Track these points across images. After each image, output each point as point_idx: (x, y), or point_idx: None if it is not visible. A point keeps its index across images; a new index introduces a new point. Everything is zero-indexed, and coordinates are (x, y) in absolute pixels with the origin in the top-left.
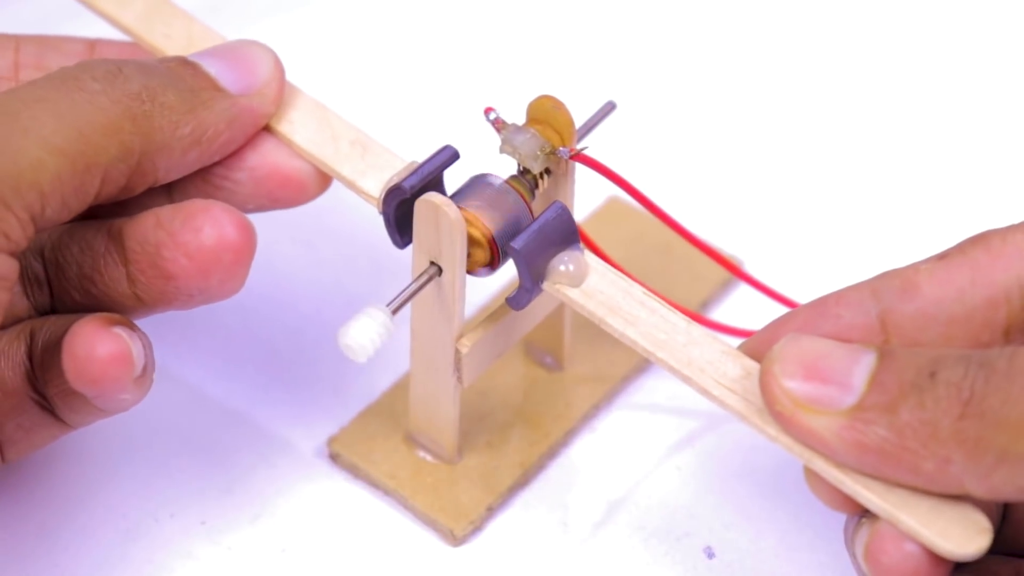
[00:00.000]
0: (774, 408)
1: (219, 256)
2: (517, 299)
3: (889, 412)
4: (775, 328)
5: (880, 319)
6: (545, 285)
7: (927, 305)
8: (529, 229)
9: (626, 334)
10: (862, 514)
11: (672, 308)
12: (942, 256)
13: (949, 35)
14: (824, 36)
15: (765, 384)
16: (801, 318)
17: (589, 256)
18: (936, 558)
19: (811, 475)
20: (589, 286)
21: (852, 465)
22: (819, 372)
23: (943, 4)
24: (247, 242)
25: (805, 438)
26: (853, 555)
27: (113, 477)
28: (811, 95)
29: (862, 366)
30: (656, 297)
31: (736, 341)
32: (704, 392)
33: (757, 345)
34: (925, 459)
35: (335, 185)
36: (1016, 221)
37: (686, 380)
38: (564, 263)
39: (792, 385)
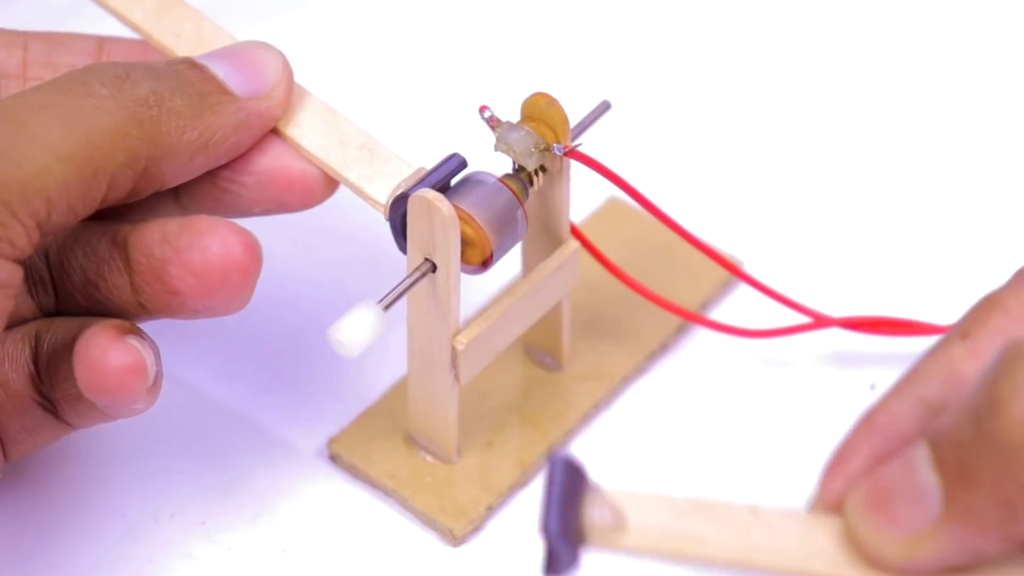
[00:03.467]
0: (895, 567)
1: (225, 276)
2: (562, 570)
3: (971, 484)
4: (837, 469)
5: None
6: (592, 546)
7: None
8: (549, 503)
9: (707, 555)
10: None
11: (725, 503)
12: (964, 333)
13: (949, 35)
14: (824, 36)
15: (871, 557)
16: (861, 452)
17: (610, 490)
18: None
19: None
20: (637, 524)
21: (991, 554)
22: (894, 504)
23: (943, 4)
24: (253, 261)
25: (940, 565)
26: None
27: (113, 477)
28: (811, 95)
29: (921, 465)
30: (699, 499)
31: (736, 341)
32: None
33: (826, 495)
34: None
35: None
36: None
37: (796, 574)
38: (599, 514)
39: (886, 536)
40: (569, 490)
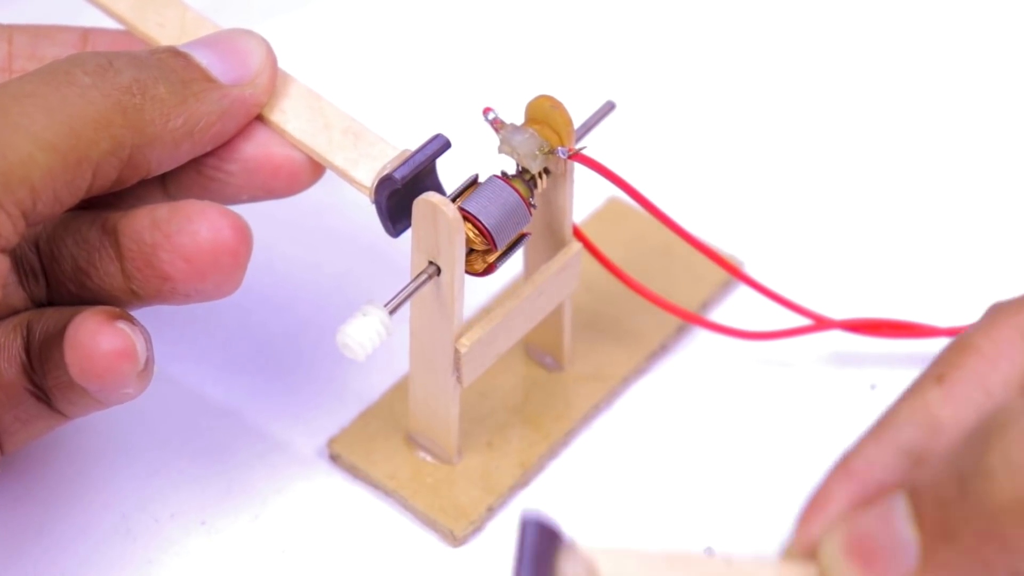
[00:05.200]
0: None
1: (216, 259)
2: None
3: (949, 540)
4: (812, 517)
5: (915, 466)
6: None
7: (955, 434)
8: (523, 563)
9: None
10: None
11: (697, 556)
12: (939, 377)
13: (950, 36)
14: (824, 37)
15: None
16: (836, 499)
17: (583, 546)
18: None
19: None
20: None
21: None
22: (870, 553)
23: (944, 4)
24: (243, 244)
25: None
26: None
27: (113, 477)
28: (811, 96)
29: (899, 517)
30: (672, 552)
31: (736, 342)
32: None
33: (801, 543)
34: (1011, 557)
35: (335, 185)
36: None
37: None
38: (571, 568)
39: None
40: (542, 549)
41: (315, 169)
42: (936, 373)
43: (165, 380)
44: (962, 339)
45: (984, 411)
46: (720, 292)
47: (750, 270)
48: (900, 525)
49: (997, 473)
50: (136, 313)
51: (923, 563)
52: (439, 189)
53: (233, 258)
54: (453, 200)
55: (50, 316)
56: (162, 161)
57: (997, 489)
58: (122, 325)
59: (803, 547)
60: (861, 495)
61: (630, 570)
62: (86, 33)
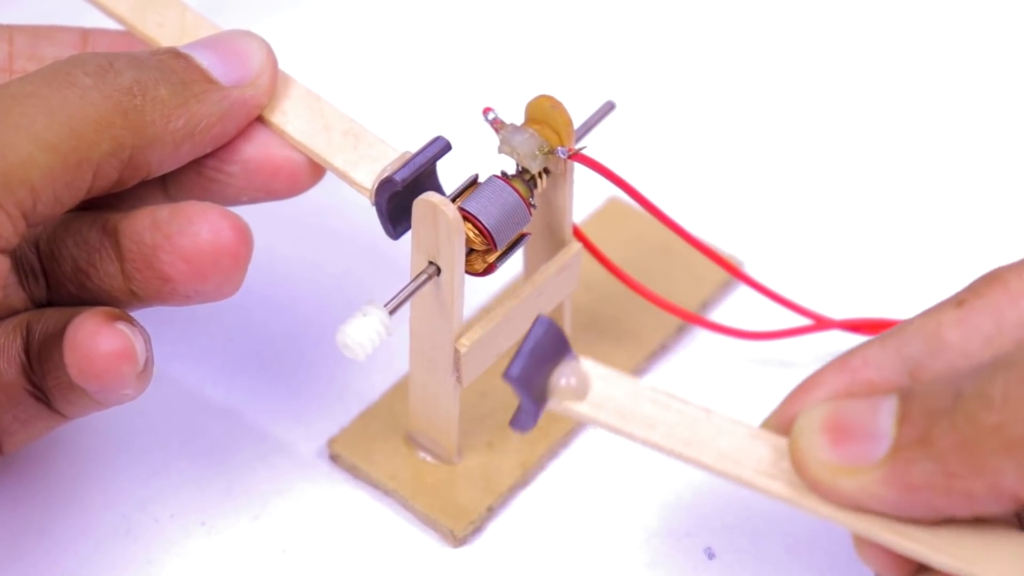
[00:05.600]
0: (813, 481)
1: (216, 260)
2: (522, 423)
3: (924, 444)
4: (800, 396)
5: (910, 376)
6: (551, 404)
7: (956, 357)
8: (520, 353)
9: (649, 439)
10: None
11: (683, 400)
12: (960, 302)
13: (950, 36)
14: (824, 37)
15: (798, 461)
16: (827, 385)
17: (586, 362)
18: None
19: (863, 546)
20: (596, 395)
21: (907, 513)
22: (846, 432)
23: (944, 4)
24: (244, 245)
25: (854, 501)
26: None
27: (113, 477)
28: (811, 95)
29: (885, 412)
30: (663, 391)
31: (736, 342)
32: (746, 484)
33: (781, 418)
34: (975, 480)
35: (335, 185)
36: (1017, 218)
37: (723, 475)
38: (565, 377)
39: (823, 454)
40: (546, 350)
41: (315, 170)
42: (958, 298)
43: (165, 380)
44: (992, 272)
45: (992, 343)
46: (720, 292)
47: (750, 270)
48: (883, 419)
49: (994, 400)
50: (136, 313)
51: (890, 456)
52: (439, 191)
53: (234, 259)
54: (453, 200)
55: (50, 317)
56: (163, 162)
57: (989, 414)
58: (121, 326)
59: (779, 422)
60: (849, 389)
61: (617, 396)
62: (86, 34)
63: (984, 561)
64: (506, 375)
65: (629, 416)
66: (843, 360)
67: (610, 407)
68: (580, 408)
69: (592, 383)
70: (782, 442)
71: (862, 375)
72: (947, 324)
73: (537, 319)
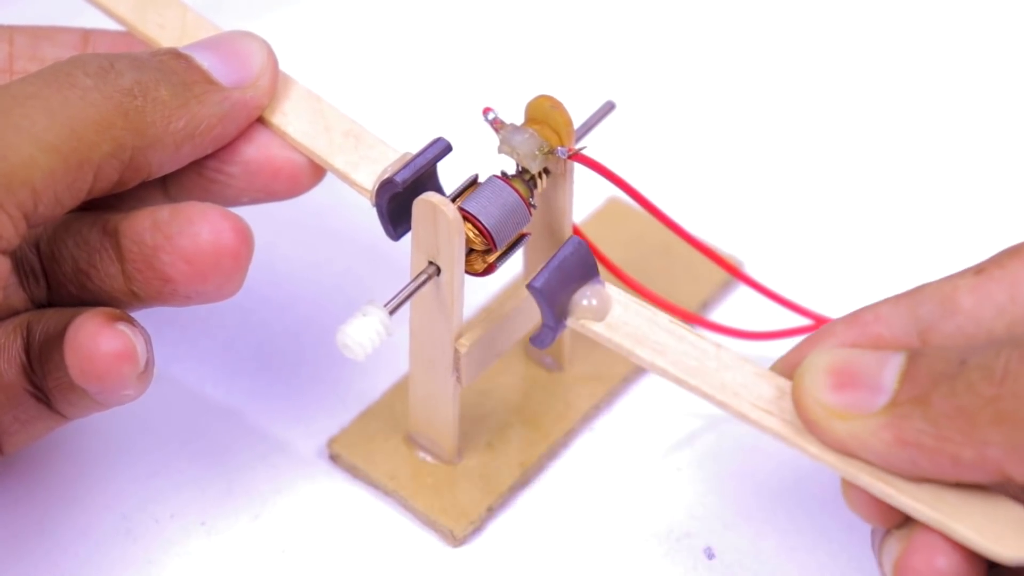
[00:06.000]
0: (809, 419)
1: (217, 261)
2: (541, 339)
3: (923, 404)
4: (809, 345)
5: (920, 337)
6: (569, 322)
7: (966, 323)
8: (548, 267)
9: (656, 364)
10: (892, 526)
11: (699, 335)
12: (979, 270)
13: (950, 35)
14: (824, 36)
15: (797, 398)
16: (837, 336)
17: (611, 288)
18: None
19: (849, 490)
20: (614, 318)
21: (894, 465)
22: (849, 378)
23: (944, 4)
24: (245, 246)
25: (844, 445)
26: (880, 565)
27: (113, 477)
28: (811, 95)
29: (892, 367)
30: (682, 324)
31: (736, 342)
32: (741, 416)
33: (790, 363)
34: (963, 446)
35: (335, 186)
36: (1017, 219)
37: (721, 405)
38: (587, 298)
39: (824, 395)
40: (572, 269)
41: (316, 171)
42: (979, 267)
43: (166, 380)
44: (1018, 245)
45: (1004, 313)
46: (720, 292)
47: (750, 270)
48: (888, 373)
49: (996, 373)
50: (136, 314)
51: (887, 409)
52: (440, 193)
53: (234, 260)
54: (453, 200)
55: (50, 317)
56: (163, 163)
57: (988, 386)
58: (122, 327)
59: (787, 366)
60: (858, 342)
61: (635, 322)
62: (87, 34)
63: (961, 516)
64: (529, 285)
65: (642, 341)
66: (856, 314)
67: (625, 331)
68: (596, 327)
69: (612, 308)
70: (786, 384)
71: (872, 329)
72: (963, 289)
73: (570, 238)
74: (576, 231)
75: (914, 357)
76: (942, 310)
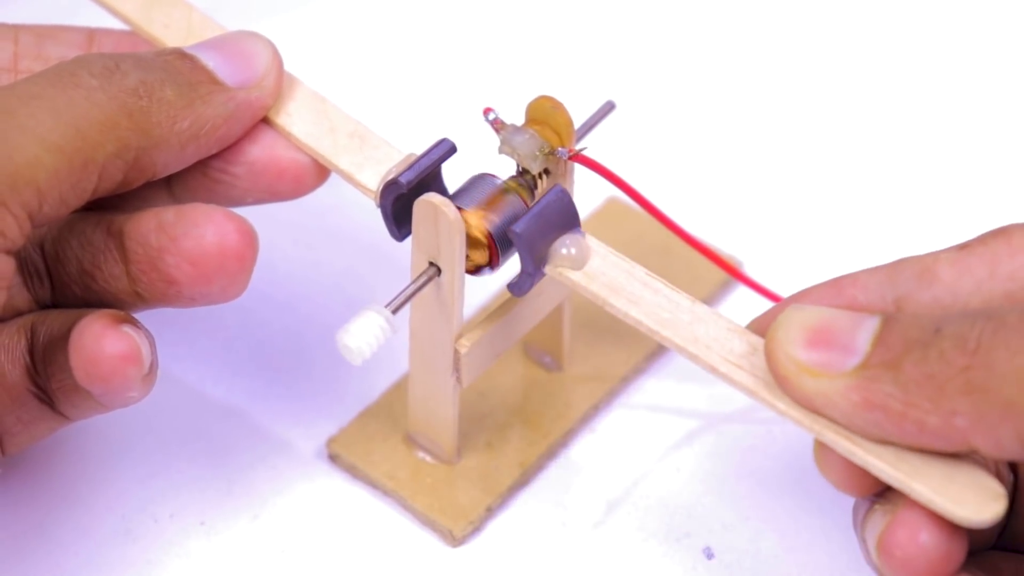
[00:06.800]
0: (779, 374)
1: (222, 263)
2: (519, 284)
3: (893, 368)
4: (786, 305)
5: (895, 304)
6: (547, 269)
7: (944, 294)
8: (530, 212)
9: (629, 314)
10: (872, 499)
11: (675, 288)
12: (963, 246)
13: (949, 34)
14: (824, 36)
15: (770, 352)
16: (813, 298)
17: (591, 239)
18: (948, 552)
19: (821, 453)
20: (591, 268)
21: (859, 427)
22: (823, 337)
23: (943, 4)
24: (249, 248)
25: (811, 402)
26: (863, 541)
27: (113, 477)
28: (810, 95)
29: (866, 329)
30: (659, 278)
31: None
32: (711, 369)
33: (764, 323)
34: (930, 413)
35: (337, 186)
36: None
37: (692, 358)
38: (566, 246)
39: (796, 351)
40: (553, 216)
41: (320, 172)
42: (963, 244)
43: (166, 381)
44: (1005, 226)
45: (982, 288)
46: (720, 292)
47: (750, 270)
48: (862, 335)
49: (968, 344)
50: (138, 314)
51: (857, 370)
52: (444, 194)
53: (239, 262)
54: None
55: (54, 318)
56: (168, 163)
57: (960, 355)
58: (127, 329)
59: (762, 326)
60: (834, 304)
61: (612, 273)
62: (92, 33)
63: (921, 476)
64: (511, 230)
65: (617, 291)
66: (835, 280)
67: (602, 280)
68: (574, 276)
69: (591, 257)
70: (759, 340)
71: (848, 292)
72: (944, 262)
73: (554, 186)
74: None
75: (889, 322)
76: (920, 280)
